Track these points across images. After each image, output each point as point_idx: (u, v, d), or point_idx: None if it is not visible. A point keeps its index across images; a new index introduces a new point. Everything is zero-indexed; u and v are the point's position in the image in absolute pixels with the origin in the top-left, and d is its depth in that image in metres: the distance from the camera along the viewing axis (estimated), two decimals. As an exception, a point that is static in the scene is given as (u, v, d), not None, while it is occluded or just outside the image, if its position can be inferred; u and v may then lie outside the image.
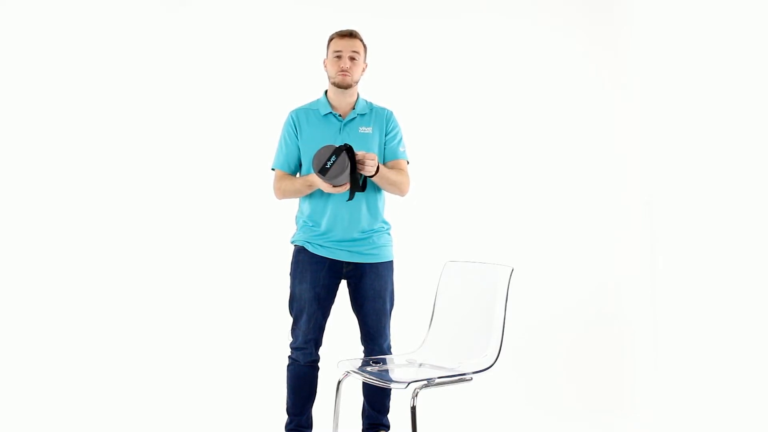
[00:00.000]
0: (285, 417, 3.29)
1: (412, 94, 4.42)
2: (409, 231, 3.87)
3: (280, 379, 3.31)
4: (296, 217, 3.31)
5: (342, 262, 3.20)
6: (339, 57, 3.18)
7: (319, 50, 3.36)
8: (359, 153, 3.05)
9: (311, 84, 3.58)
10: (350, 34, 3.21)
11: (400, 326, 3.38)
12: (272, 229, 3.91)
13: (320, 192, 3.19)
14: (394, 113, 3.32)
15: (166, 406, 3.96)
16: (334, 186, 3.02)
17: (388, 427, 3.32)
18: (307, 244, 3.21)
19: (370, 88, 3.44)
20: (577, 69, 4.57)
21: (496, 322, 2.96)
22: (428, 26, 4.52)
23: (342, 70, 3.18)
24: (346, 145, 2.98)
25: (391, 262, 3.28)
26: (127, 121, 4.36)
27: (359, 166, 3.05)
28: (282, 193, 3.25)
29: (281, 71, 4.39)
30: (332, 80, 3.22)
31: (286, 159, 3.24)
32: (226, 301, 4.35)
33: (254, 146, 4.06)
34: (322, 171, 2.96)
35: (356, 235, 3.18)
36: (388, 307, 3.26)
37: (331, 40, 3.24)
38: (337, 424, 3.10)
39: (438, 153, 4.43)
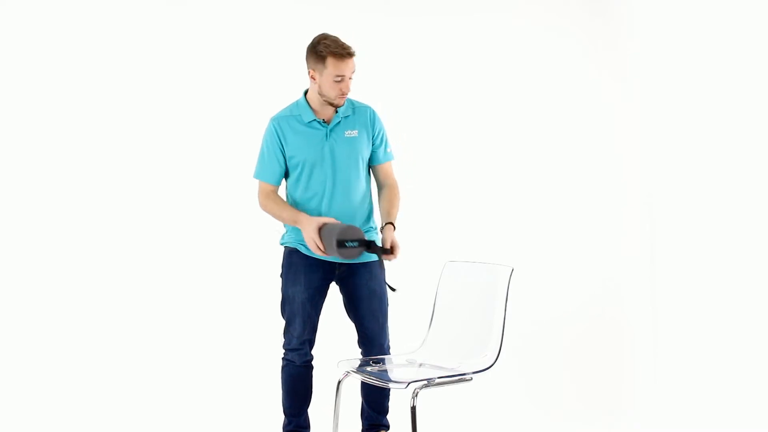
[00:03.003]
0: (280, 419, 3.27)
1: (411, 93, 4.41)
2: (409, 231, 3.86)
3: (275, 379, 3.29)
4: None
5: (335, 264, 3.18)
6: (341, 80, 3.02)
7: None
8: (394, 249, 3.06)
9: (307, 83, 3.54)
10: (350, 54, 3.01)
11: (400, 326, 3.38)
12: (261, 229, 3.86)
13: (310, 194, 3.13)
14: (376, 109, 3.23)
15: (166, 407, 3.96)
16: (325, 253, 3.01)
17: (387, 427, 3.31)
18: (300, 245, 3.17)
19: (369, 88, 3.43)
20: (577, 69, 4.57)
21: (496, 322, 2.96)
22: (428, 25, 4.52)
23: (343, 94, 3.06)
24: (375, 246, 3.00)
25: (382, 262, 3.24)
26: (124, 121, 4.32)
27: (391, 257, 3.07)
28: (267, 212, 3.18)
29: (282, 70, 4.35)
30: (329, 101, 3.08)
31: (271, 170, 3.15)
32: (220, 302, 4.32)
33: (253, 146, 4.04)
34: (340, 245, 2.93)
35: None
36: (385, 306, 3.24)
37: (324, 57, 2.99)
38: (336, 425, 3.10)
39: (438, 153, 4.43)
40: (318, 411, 3.29)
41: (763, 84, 3.67)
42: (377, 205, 3.28)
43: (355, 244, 2.96)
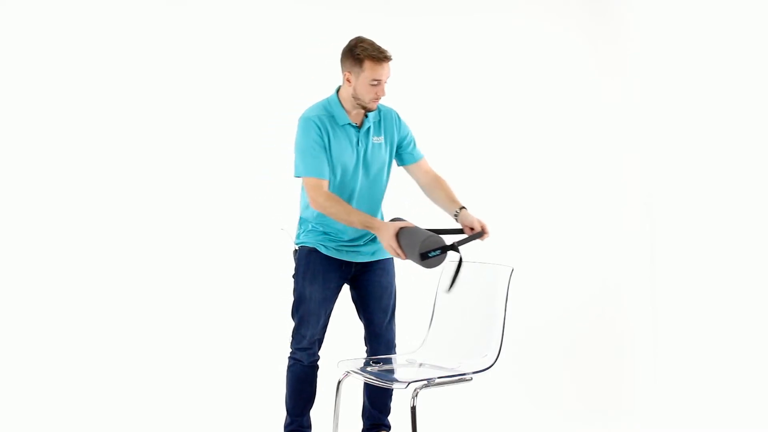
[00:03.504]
0: (281, 418, 3.27)
1: (411, 93, 4.40)
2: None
3: (276, 378, 3.28)
4: (301, 218, 3.22)
5: (352, 263, 3.18)
6: (377, 84, 3.00)
7: (323, 48, 3.31)
8: (484, 227, 3.11)
9: (314, 83, 3.54)
10: (387, 58, 3.01)
11: (400, 326, 3.38)
12: (266, 228, 3.86)
13: (340, 194, 3.10)
14: (398, 111, 3.25)
15: (168, 406, 3.96)
16: (405, 258, 2.97)
17: (389, 427, 3.31)
18: (321, 246, 3.14)
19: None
20: (577, 69, 4.57)
21: (496, 322, 2.96)
22: (428, 25, 4.52)
23: (378, 98, 3.03)
24: (460, 242, 2.97)
25: (392, 259, 3.26)
26: (128, 123, 4.31)
27: (485, 236, 3.10)
28: (328, 213, 3.01)
29: (284, 69, 4.36)
30: (363, 104, 3.05)
31: (323, 164, 3.01)
32: (223, 302, 4.32)
33: (253, 147, 4.04)
34: (423, 256, 2.87)
35: (366, 235, 3.15)
36: (394, 302, 3.25)
37: (362, 61, 2.97)
38: (337, 425, 3.10)
39: (437, 153, 4.40)
40: (318, 411, 3.29)
41: (763, 83, 3.67)
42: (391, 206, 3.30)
43: (438, 252, 2.89)
